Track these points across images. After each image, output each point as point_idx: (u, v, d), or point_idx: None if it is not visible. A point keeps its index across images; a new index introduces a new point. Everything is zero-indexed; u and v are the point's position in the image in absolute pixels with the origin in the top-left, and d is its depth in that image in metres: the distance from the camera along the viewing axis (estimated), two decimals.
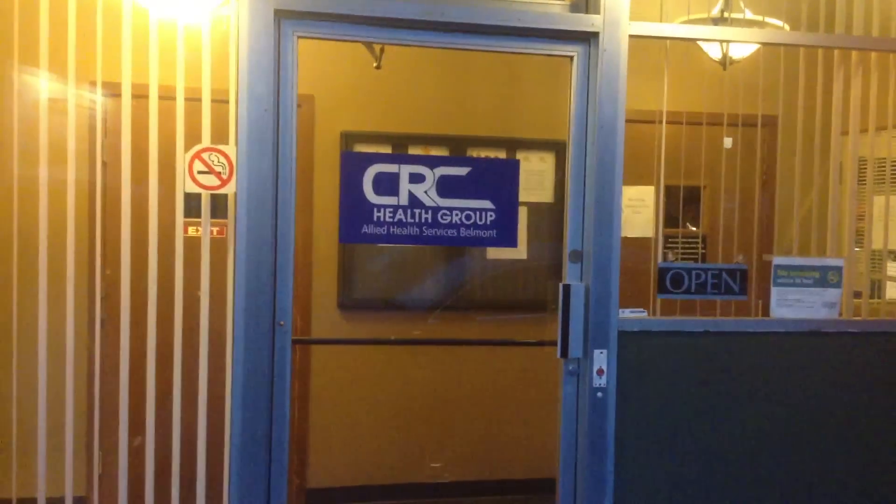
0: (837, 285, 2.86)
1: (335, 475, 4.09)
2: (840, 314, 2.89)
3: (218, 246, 2.64)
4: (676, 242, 4.38)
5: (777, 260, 2.84)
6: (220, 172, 2.54)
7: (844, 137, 3.08)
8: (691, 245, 4.39)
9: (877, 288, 3.85)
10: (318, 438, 4.07)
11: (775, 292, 2.83)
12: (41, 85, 2.62)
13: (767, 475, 2.84)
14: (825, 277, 2.85)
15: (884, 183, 3.35)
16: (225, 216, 2.60)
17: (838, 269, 2.87)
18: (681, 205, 4.22)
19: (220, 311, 2.61)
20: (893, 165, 3.21)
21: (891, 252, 3.28)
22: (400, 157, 2.76)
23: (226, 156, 2.55)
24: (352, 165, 2.68)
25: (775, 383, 2.82)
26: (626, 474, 2.74)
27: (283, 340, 2.59)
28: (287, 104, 2.58)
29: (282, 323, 2.57)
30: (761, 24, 3.19)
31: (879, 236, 3.21)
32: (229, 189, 2.54)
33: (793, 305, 2.84)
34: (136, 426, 2.63)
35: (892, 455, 2.91)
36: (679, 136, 3.73)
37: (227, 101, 2.57)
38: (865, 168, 3.16)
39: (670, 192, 4.30)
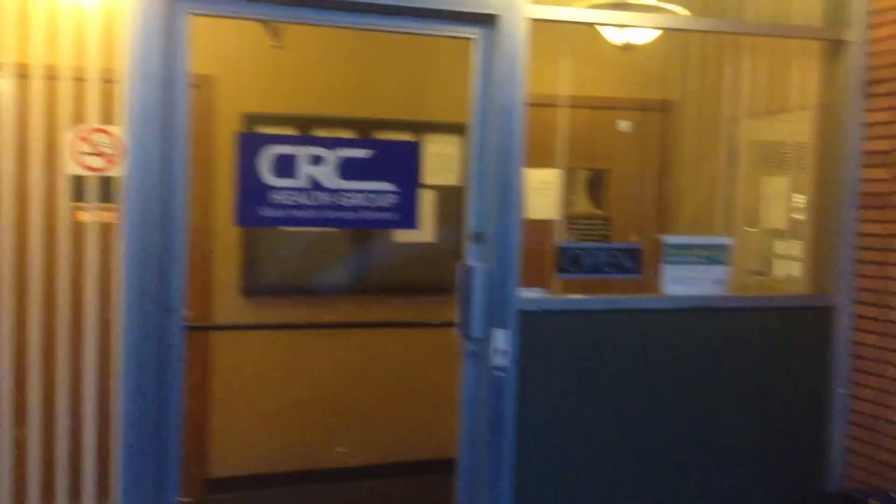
0: (725, 262, 2.97)
1: (238, 463, 4.02)
2: (728, 290, 3.00)
3: (110, 231, 2.55)
4: (583, 224, 4.46)
5: (668, 239, 2.93)
6: (107, 154, 2.45)
7: (740, 121, 3.19)
8: (596, 227, 4.48)
9: (773, 266, 4.02)
10: (221, 427, 3.99)
11: (667, 270, 2.92)
12: None
13: (665, 443, 2.94)
14: (713, 255, 2.95)
15: (773, 165, 3.49)
16: (117, 200, 2.51)
17: (726, 248, 2.97)
18: (586, 188, 4.29)
19: (109, 298, 2.52)
20: (782, 148, 3.34)
21: (777, 231, 3.41)
22: (298, 139, 2.72)
23: (114, 136, 2.46)
24: (248, 147, 2.62)
25: (669, 357, 2.92)
26: (526, 452, 2.79)
27: (175, 327, 2.52)
28: (179, 84, 2.50)
29: (173, 309, 2.50)
30: (659, 10, 3.25)
31: (771, 217, 3.34)
32: (117, 171, 2.45)
33: (683, 283, 2.93)
34: (20, 417, 2.52)
35: (775, 417, 3.06)
36: (586, 121, 3.79)
37: (115, 82, 2.48)
38: (761, 151, 3.28)
39: (578, 175, 4.38)
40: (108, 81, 2.51)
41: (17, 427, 2.53)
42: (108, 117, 2.49)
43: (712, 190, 3.24)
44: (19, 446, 2.54)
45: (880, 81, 2.97)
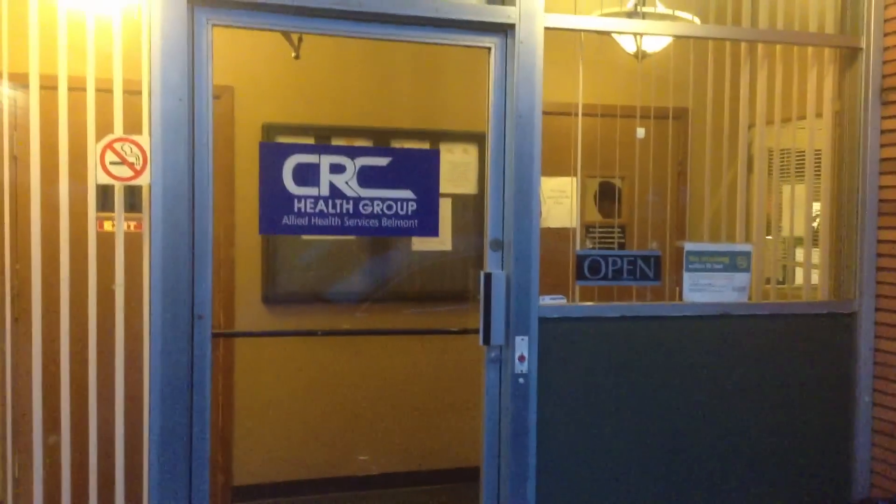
0: (746, 270, 2.97)
1: (262, 471, 4.05)
2: (749, 298, 3.01)
3: (136, 240, 2.59)
4: (599, 232, 4.47)
5: (689, 246, 2.94)
6: (133, 163, 2.49)
7: (756, 128, 3.21)
8: (611, 234, 4.49)
9: (792, 274, 4.02)
10: (244, 434, 4.02)
11: (687, 277, 2.93)
12: None
13: (685, 451, 2.94)
14: (734, 262, 2.96)
15: (790, 173, 3.50)
16: (141, 210, 2.56)
17: (747, 255, 2.98)
18: (602, 196, 4.30)
19: (137, 307, 2.56)
20: (798, 156, 3.35)
21: (797, 239, 3.42)
22: (320, 148, 2.75)
23: (139, 146, 2.50)
24: (271, 156, 2.66)
25: (689, 364, 2.93)
26: (548, 459, 2.80)
27: (203, 334, 2.55)
28: (202, 94, 2.54)
29: (201, 316, 2.54)
30: (673, 18, 3.28)
31: (791, 225, 3.35)
32: (143, 180, 2.49)
33: (704, 290, 2.94)
34: (52, 425, 2.56)
35: (798, 425, 3.06)
36: (601, 129, 3.81)
37: (139, 93, 2.53)
38: (778, 159, 3.29)
39: (594, 183, 4.40)
40: (132, 93, 2.56)
41: (49, 434, 2.57)
42: (132, 128, 2.54)
43: (730, 198, 3.25)
44: (51, 454, 2.58)
45: (895, 88, 2.98)
